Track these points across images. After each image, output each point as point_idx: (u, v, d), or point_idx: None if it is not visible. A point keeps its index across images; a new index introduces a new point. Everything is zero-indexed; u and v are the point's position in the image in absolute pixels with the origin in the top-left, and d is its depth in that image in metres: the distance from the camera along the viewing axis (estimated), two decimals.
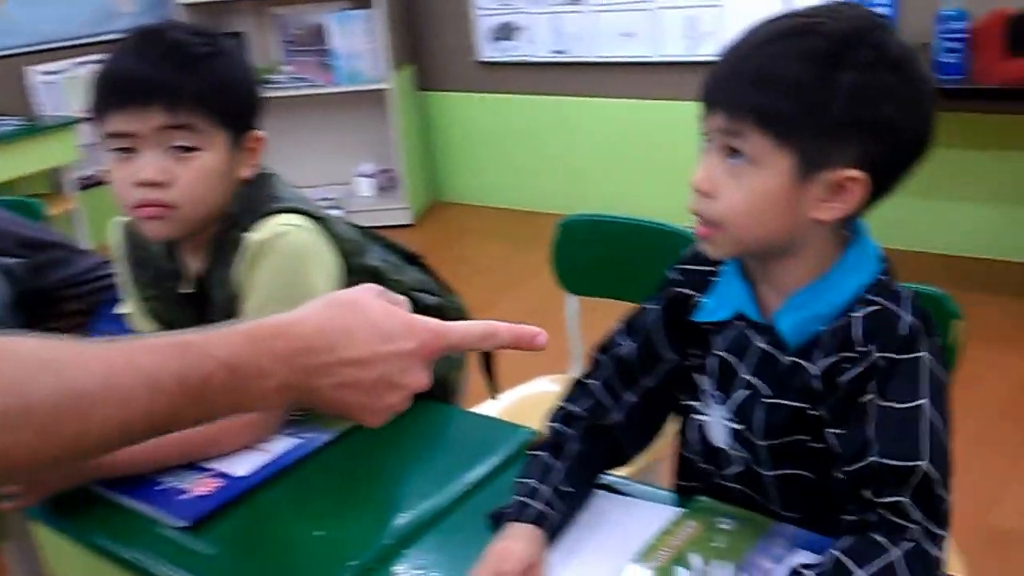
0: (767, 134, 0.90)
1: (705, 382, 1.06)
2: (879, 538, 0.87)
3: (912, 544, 0.86)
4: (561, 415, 1.11)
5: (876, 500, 0.89)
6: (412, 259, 1.54)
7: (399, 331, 0.81)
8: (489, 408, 1.74)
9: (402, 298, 0.85)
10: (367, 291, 0.85)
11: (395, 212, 4.50)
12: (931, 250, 3.53)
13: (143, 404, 0.71)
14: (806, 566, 0.89)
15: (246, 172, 1.33)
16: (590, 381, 1.12)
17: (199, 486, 1.16)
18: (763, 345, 1.00)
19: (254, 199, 1.32)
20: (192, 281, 1.37)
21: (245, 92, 1.32)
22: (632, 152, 4.14)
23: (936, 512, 0.88)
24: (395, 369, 0.81)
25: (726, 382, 1.03)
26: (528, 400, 1.84)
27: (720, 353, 1.03)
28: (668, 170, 3.96)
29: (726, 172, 0.93)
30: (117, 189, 1.27)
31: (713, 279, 1.06)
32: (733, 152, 0.92)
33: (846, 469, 0.92)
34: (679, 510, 1.05)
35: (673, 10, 3.81)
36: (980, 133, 3.34)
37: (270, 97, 4.45)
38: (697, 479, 1.11)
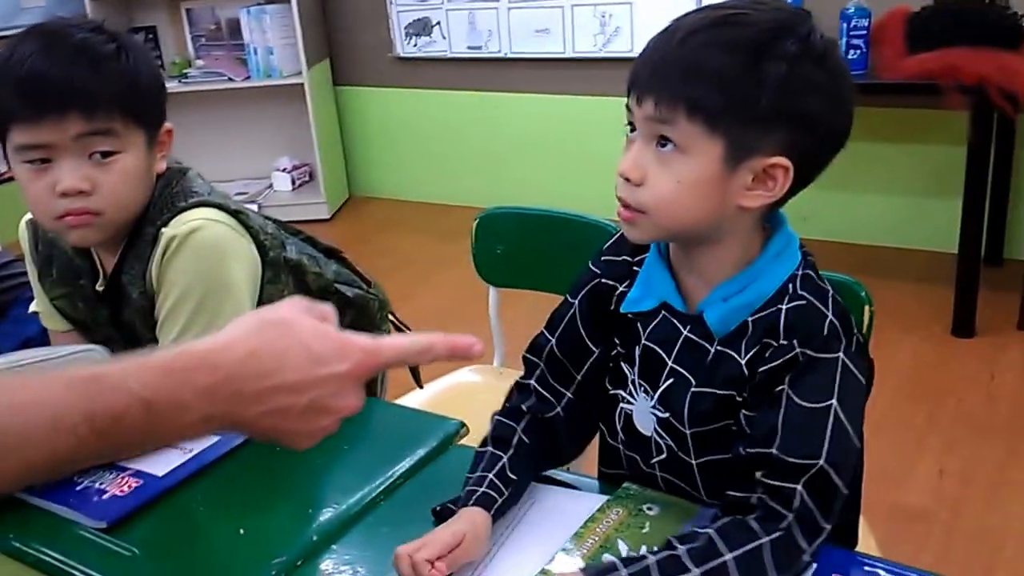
0: (697, 122, 0.90)
1: (631, 371, 1.06)
2: (753, 524, 0.89)
3: (781, 533, 0.88)
4: (505, 412, 1.13)
5: (765, 482, 0.91)
6: (330, 253, 1.54)
7: (332, 352, 0.78)
8: (412, 399, 1.75)
9: (330, 311, 0.83)
10: (294, 307, 0.81)
11: (312, 207, 4.45)
12: (837, 239, 3.64)
13: (46, 445, 0.67)
14: (680, 539, 0.90)
15: (161, 166, 1.31)
16: (527, 381, 1.13)
17: (116, 486, 1.14)
18: (689, 335, 1.01)
19: (168, 194, 1.30)
20: (106, 279, 1.34)
21: (155, 87, 1.29)
22: (547, 146, 4.18)
23: (827, 505, 0.90)
24: (327, 393, 0.78)
25: (653, 371, 1.04)
26: (451, 391, 1.85)
27: (646, 343, 1.04)
28: (582, 163, 4.02)
29: (655, 159, 0.93)
30: (33, 201, 1.23)
31: (636, 269, 1.07)
32: (662, 140, 0.93)
33: (749, 450, 0.94)
34: (605, 497, 1.06)
35: (585, 7, 3.85)
36: (882, 127, 3.46)
37: (184, 92, 4.42)
38: (621, 467, 1.12)
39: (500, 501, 1.01)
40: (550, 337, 1.12)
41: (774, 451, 0.91)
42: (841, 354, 0.93)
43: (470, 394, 1.85)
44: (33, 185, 1.21)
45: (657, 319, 1.03)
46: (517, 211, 1.84)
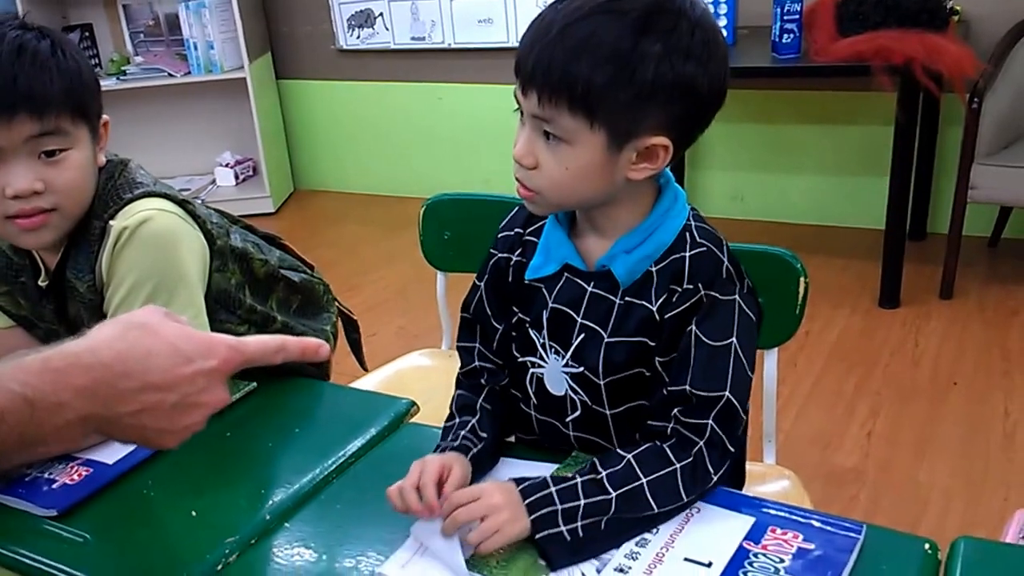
0: (578, 117, 0.95)
1: (540, 336, 1.11)
2: (667, 451, 0.99)
3: (691, 459, 0.99)
4: (464, 386, 1.18)
5: (681, 418, 1.00)
6: (270, 240, 1.55)
7: (198, 350, 0.83)
8: (365, 383, 1.78)
9: (184, 317, 0.88)
10: (154, 312, 0.86)
11: (257, 201, 4.43)
12: (770, 219, 3.76)
13: None
14: (602, 462, 0.99)
15: (102, 159, 1.31)
16: (471, 364, 1.18)
17: (66, 475, 1.14)
18: (594, 290, 1.06)
19: (112, 186, 1.30)
20: (48, 274, 1.34)
21: (93, 80, 1.29)
22: (492, 135, 4.19)
23: (732, 432, 1.01)
24: (195, 389, 0.83)
25: (563, 331, 1.09)
26: (403, 374, 1.88)
27: (554, 305, 1.09)
28: None
29: (544, 147, 0.99)
30: None
31: (528, 239, 1.13)
32: (547, 133, 0.98)
33: (668, 389, 1.02)
34: (554, 465, 1.10)
35: None
36: (813, 109, 3.54)
37: (123, 89, 4.34)
38: (535, 432, 1.18)
39: (475, 449, 1.07)
40: (467, 328, 1.20)
41: (687, 388, 1.00)
42: (736, 296, 1.02)
43: (421, 376, 1.88)
44: None
45: (561, 281, 1.09)
46: (463, 197, 1.87)
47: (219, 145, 4.63)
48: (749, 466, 1.45)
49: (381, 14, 4.21)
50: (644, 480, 0.97)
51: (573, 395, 1.11)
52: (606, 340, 1.06)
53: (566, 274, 1.08)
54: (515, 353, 1.15)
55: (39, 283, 1.36)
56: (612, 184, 1.01)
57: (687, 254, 1.03)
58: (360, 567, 0.97)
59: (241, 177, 4.61)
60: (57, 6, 4.42)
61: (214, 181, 4.61)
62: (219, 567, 0.99)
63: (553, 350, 1.10)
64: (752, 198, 3.76)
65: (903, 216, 3.02)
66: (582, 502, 0.95)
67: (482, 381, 1.17)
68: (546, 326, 1.10)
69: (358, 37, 4.30)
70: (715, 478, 1.00)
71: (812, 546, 0.94)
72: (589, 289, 1.07)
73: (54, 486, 1.12)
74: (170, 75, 4.31)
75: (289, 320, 1.46)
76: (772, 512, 0.99)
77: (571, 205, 1.05)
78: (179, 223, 1.30)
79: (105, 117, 1.31)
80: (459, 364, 1.20)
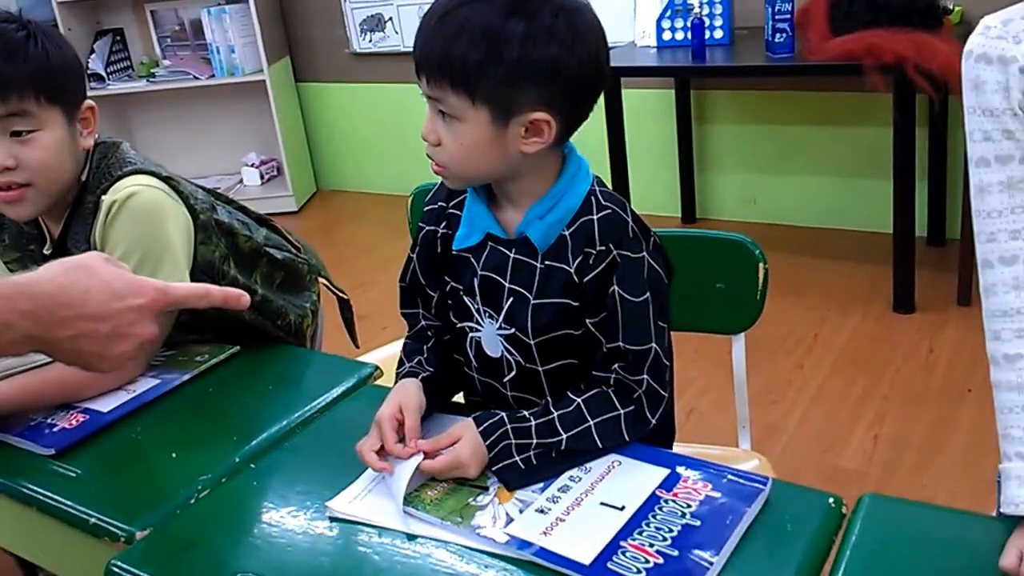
0: (461, 94, 1.05)
1: (474, 302, 1.21)
2: (613, 396, 1.11)
3: (633, 407, 1.11)
4: (410, 337, 1.29)
5: (620, 372, 1.11)
6: (262, 221, 1.66)
7: (129, 289, 0.97)
8: None
9: (124, 264, 1.01)
10: (94, 257, 0.99)
11: (280, 200, 4.57)
12: (780, 222, 3.73)
13: None
14: (555, 404, 1.10)
15: (87, 141, 1.43)
16: (415, 329, 1.29)
17: (66, 421, 1.29)
18: (516, 256, 1.16)
19: (105, 165, 1.43)
20: (53, 244, 1.48)
21: (67, 67, 1.39)
22: None
23: (661, 378, 1.12)
24: (125, 322, 0.96)
25: (494, 296, 1.19)
26: (395, 357, 1.94)
27: (483, 273, 1.19)
28: None
29: (443, 126, 1.09)
30: None
31: (452, 212, 1.22)
32: (440, 112, 1.09)
33: (607, 346, 1.12)
34: None
35: None
36: (818, 111, 3.55)
37: (153, 91, 4.44)
38: (478, 393, 1.28)
39: (425, 374, 1.18)
40: (407, 298, 1.30)
41: (621, 344, 1.10)
42: (645, 253, 1.12)
43: None
44: None
45: (486, 250, 1.19)
46: None
47: (245, 146, 4.78)
48: (720, 450, 1.56)
49: (391, 18, 4.31)
50: (592, 423, 1.08)
51: (508, 356, 1.20)
52: (532, 302, 1.16)
53: (490, 243, 1.18)
54: (453, 320, 1.25)
55: (44, 251, 1.49)
56: (508, 157, 1.10)
57: (595, 216, 1.12)
58: (312, 501, 1.09)
59: (266, 177, 4.76)
60: (91, 11, 4.60)
61: (241, 180, 4.77)
62: (192, 500, 1.12)
63: (487, 314, 1.20)
64: (764, 201, 3.74)
65: (910, 218, 2.94)
66: (534, 440, 1.07)
67: (428, 334, 1.27)
68: (478, 292, 1.20)
69: (370, 41, 4.42)
70: (653, 421, 1.11)
71: (719, 495, 1.02)
72: (511, 256, 1.16)
73: (54, 429, 1.27)
74: (195, 77, 4.47)
75: (269, 294, 1.56)
76: (688, 465, 1.08)
77: (477, 178, 1.14)
78: (164, 197, 1.41)
79: (90, 102, 1.42)
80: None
